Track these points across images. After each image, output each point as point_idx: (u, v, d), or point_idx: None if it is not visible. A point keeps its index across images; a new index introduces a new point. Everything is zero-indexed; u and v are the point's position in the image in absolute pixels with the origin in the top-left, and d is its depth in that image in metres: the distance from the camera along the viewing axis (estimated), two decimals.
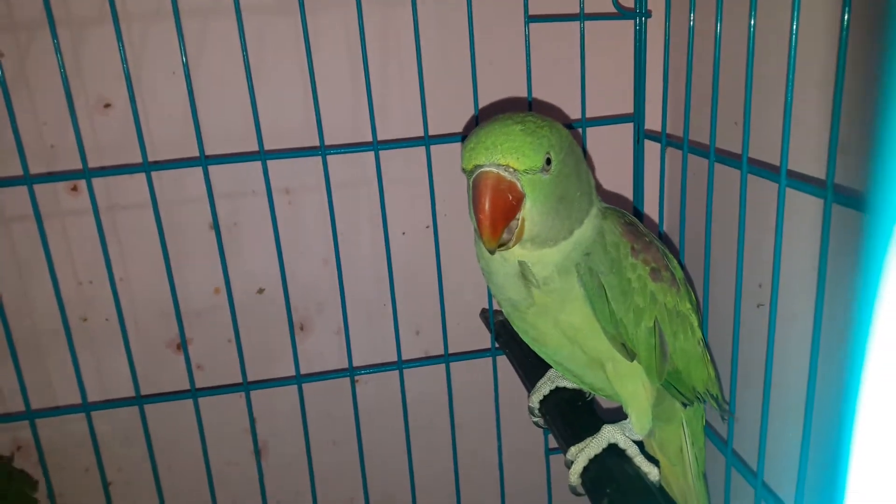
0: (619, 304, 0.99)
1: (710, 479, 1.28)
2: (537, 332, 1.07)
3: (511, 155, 0.89)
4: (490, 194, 0.89)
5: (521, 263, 0.98)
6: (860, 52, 0.93)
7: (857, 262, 0.35)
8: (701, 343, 1.09)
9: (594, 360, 1.06)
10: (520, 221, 0.91)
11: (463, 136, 1.49)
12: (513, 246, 0.93)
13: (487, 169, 0.89)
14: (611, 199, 1.65)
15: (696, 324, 1.08)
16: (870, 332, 0.35)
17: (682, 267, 1.46)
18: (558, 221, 0.94)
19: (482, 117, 1.52)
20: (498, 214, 0.89)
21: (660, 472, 1.10)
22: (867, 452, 0.37)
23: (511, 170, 0.89)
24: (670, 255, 1.09)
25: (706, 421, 1.24)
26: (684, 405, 1.13)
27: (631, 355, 1.03)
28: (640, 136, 1.55)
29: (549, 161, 0.90)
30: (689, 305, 1.06)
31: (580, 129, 1.50)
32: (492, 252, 0.93)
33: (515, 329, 1.12)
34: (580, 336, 1.03)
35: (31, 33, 1.41)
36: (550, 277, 0.98)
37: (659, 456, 1.20)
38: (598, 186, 1.61)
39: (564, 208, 0.94)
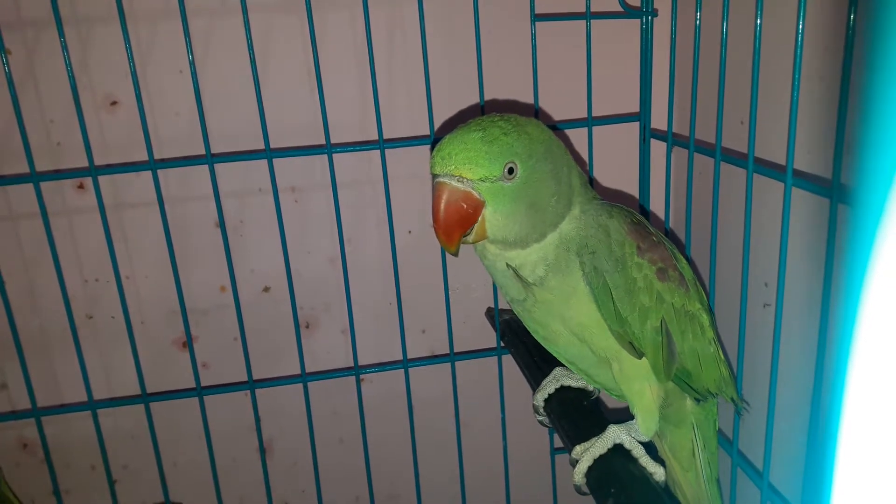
0: (623, 303, 0.98)
1: None
2: (547, 331, 1.08)
3: (465, 166, 0.91)
4: (443, 206, 0.92)
5: (508, 266, 0.99)
6: (867, 51, 0.92)
7: (845, 258, 0.35)
8: (713, 343, 1.09)
9: (603, 360, 1.06)
10: (479, 221, 0.94)
11: None
12: (471, 241, 0.96)
13: (442, 180, 0.92)
14: (616, 198, 1.65)
15: (706, 323, 1.07)
16: (855, 327, 0.35)
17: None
18: (527, 226, 0.95)
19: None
20: (451, 225, 0.93)
21: (665, 473, 1.09)
22: (853, 450, 0.37)
23: (465, 180, 0.91)
24: (679, 255, 1.08)
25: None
26: (697, 401, 1.12)
27: (639, 354, 1.02)
28: (647, 135, 1.55)
29: (511, 170, 0.92)
30: (698, 305, 1.06)
31: (586, 129, 1.50)
32: (454, 254, 0.96)
33: (527, 328, 1.13)
34: (587, 334, 1.03)
35: (39, 31, 1.42)
36: (544, 277, 0.98)
37: (671, 460, 1.19)
38: (600, 186, 1.62)
39: (535, 213, 0.95)
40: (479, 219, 0.93)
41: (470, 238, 0.95)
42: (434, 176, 0.94)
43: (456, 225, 0.93)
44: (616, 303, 0.98)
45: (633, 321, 0.99)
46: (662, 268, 1.01)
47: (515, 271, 0.99)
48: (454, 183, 0.92)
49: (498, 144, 0.92)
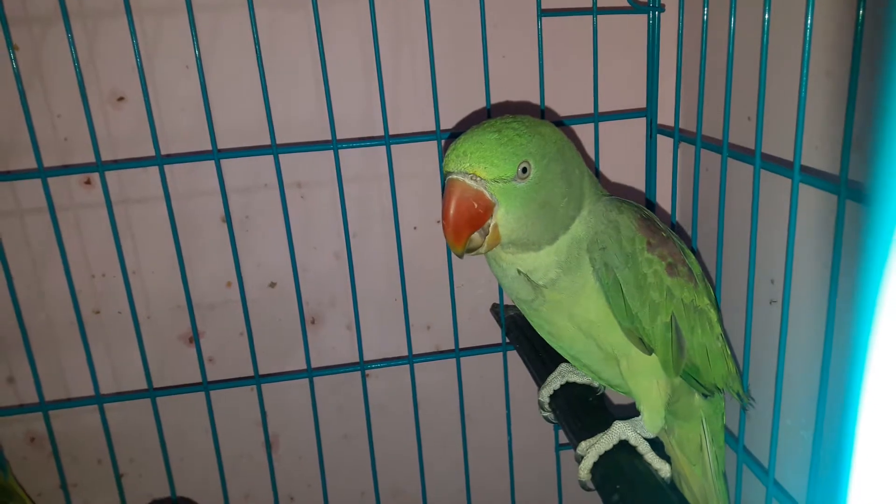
0: (634, 298, 0.98)
1: None
2: (552, 327, 1.08)
3: (479, 164, 0.90)
4: (454, 203, 0.91)
5: (519, 272, 0.99)
6: (875, 48, 0.92)
7: (861, 258, 0.34)
8: (721, 338, 1.09)
9: (609, 356, 1.06)
10: (492, 227, 0.93)
11: None
12: (484, 252, 0.95)
13: (455, 177, 0.92)
14: (623, 194, 1.65)
15: (714, 319, 1.07)
16: (872, 327, 0.35)
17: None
18: (540, 227, 0.95)
19: (497, 113, 1.52)
20: (461, 223, 0.92)
21: (671, 469, 1.09)
22: (870, 450, 0.36)
23: (479, 179, 0.91)
24: (687, 251, 1.08)
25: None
26: (704, 396, 1.12)
27: (648, 349, 1.02)
28: (653, 131, 1.54)
29: (524, 170, 0.91)
30: (707, 301, 1.06)
31: (592, 124, 1.50)
32: (459, 256, 0.95)
33: (531, 324, 1.13)
34: (595, 330, 1.03)
35: (46, 27, 1.42)
36: (556, 279, 0.98)
37: (678, 455, 1.19)
38: (607, 182, 1.62)
39: (547, 214, 0.95)
40: (492, 225, 0.93)
41: (483, 249, 0.94)
42: (447, 173, 0.93)
43: (465, 223, 0.92)
44: (626, 298, 0.98)
45: (643, 317, 0.99)
46: (672, 263, 1.01)
47: (527, 277, 0.99)
48: (468, 181, 0.91)
49: (512, 145, 0.91)
